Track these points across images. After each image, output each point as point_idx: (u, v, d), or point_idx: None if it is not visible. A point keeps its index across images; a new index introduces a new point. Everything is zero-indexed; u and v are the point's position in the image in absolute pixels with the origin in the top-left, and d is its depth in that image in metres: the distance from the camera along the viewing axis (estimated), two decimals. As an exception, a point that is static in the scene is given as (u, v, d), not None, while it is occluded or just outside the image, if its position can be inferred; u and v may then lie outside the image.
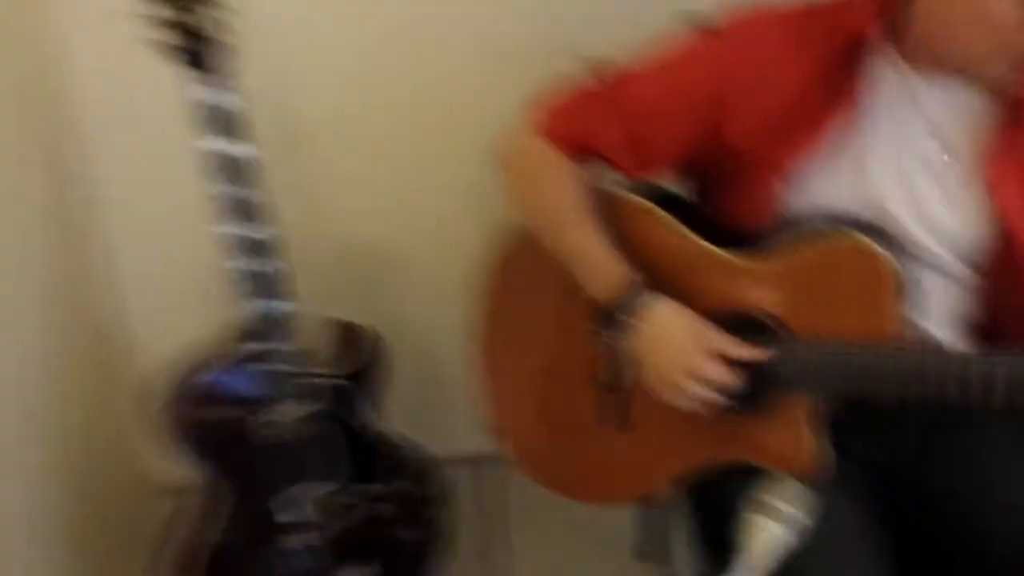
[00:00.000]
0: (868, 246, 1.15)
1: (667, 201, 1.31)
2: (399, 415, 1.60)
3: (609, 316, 1.25)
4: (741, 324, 1.23)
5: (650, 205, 1.29)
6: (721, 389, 1.21)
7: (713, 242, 1.25)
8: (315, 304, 1.50)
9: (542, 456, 1.44)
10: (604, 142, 1.26)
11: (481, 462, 1.79)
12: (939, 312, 1.24)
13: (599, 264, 1.26)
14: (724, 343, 1.21)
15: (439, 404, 1.79)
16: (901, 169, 1.18)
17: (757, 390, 1.23)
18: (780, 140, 1.19)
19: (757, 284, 1.22)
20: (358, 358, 1.54)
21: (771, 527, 0.99)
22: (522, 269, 1.40)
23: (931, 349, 1.17)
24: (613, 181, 1.32)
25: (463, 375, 1.49)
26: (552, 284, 1.34)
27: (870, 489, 1.26)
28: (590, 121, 1.26)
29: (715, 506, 1.27)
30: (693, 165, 1.29)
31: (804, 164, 1.19)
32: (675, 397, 1.23)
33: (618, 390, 1.33)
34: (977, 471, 1.24)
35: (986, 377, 1.08)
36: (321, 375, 1.46)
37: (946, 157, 1.18)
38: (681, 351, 1.21)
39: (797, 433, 1.23)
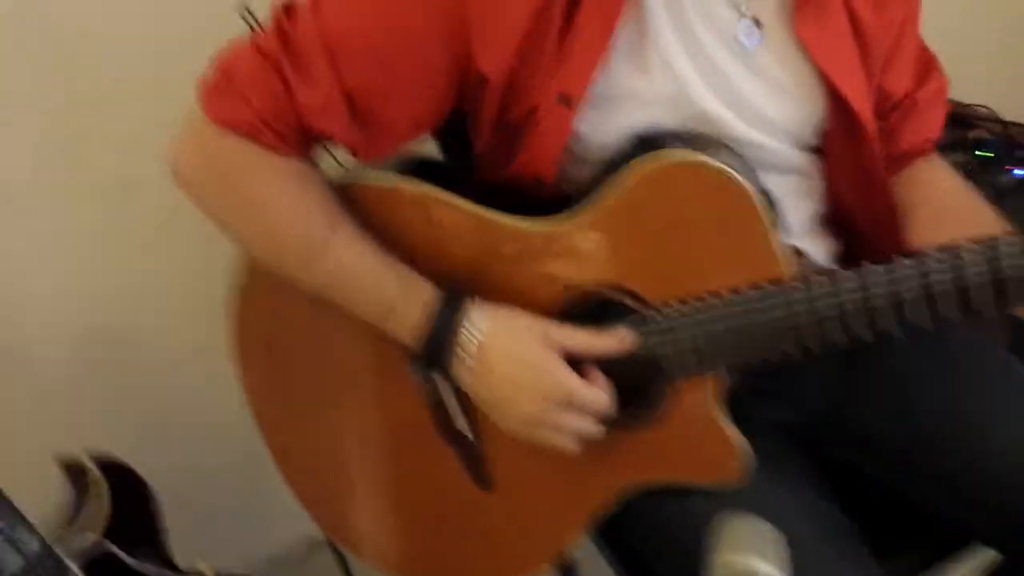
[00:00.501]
0: (707, 164, 0.87)
1: (424, 172, 0.99)
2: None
3: (424, 354, 0.94)
4: (584, 313, 0.94)
5: (415, 184, 0.96)
6: (594, 407, 0.92)
7: (510, 214, 0.94)
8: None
9: (403, 552, 1.11)
10: (312, 111, 0.89)
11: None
12: (798, 220, 0.99)
13: (382, 288, 0.93)
14: (576, 341, 0.92)
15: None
16: (704, 57, 0.91)
17: (639, 390, 0.94)
18: (550, 56, 0.88)
19: (584, 252, 0.92)
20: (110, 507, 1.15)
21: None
22: (280, 316, 1.05)
23: (823, 276, 0.88)
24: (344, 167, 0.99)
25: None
26: (327, 328, 1.01)
27: (788, 454, 1.02)
28: (282, 88, 0.89)
29: (644, 543, 1.02)
30: (446, 117, 0.96)
31: (590, 81, 0.89)
32: (542, 438, 0.94)
33: (467, 441, 1.02)
34: (901, 403, 1.03)
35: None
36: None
37: (751, 27, 0.92)
38: (530, 374, 0.91)
39: (709, 427, 0.95)
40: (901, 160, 1.06)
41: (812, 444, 1.04)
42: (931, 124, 1.08)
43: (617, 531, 1.04)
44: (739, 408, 0.95)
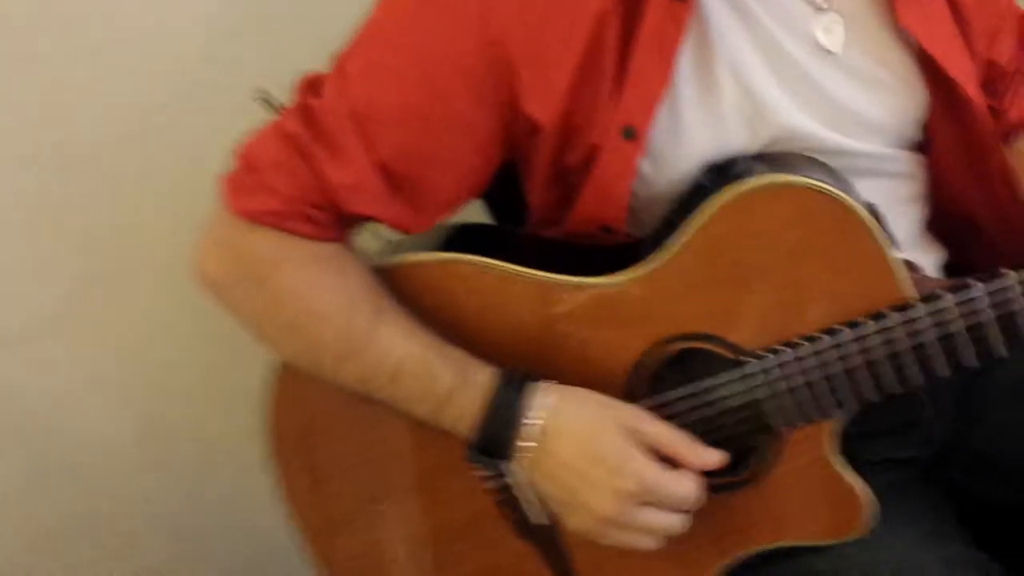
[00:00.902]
0: (794, 183, 0.76)
1: (472, 239, 0.88)
2: None
3: (482, 444, 0.81)
4: (668, 374, 0.83)
5: (461, 255, 0.84)
6: (681, 501, 0.80)
7: (575, 273, 0.83)
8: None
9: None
10: (346, 190, 0.80)
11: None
12: (904, 229, 0.88)
13: (435, 377, 0.81)
14: (664, 439, 0.80)
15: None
16: (784, 63, 0.81)
17: (738, 446, 0.83)
18: (609, 89, 0.78)
19: (663, 304, 0.80)
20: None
21: None
22: (321, 403, 0.91)
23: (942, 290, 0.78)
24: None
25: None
26: (374, 415, 0.88)
27: (918, 497, 0.91)
28: (309, 169, 0.79)
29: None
30: (494, 175, 0.85)
31: (654, 111, 0.79)
32: (617, 540, 0.81)
33: (545, 531, 0.89)
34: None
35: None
36: None
37: (833, 21, 0.82)
38: (602, 467, 0.79)
39: (826, 477, 0.83)
40: (1013, 133, 0.95)
41: (943, 482, 0.94)
42: None
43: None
44: (852, 452, 0.85)
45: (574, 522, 0.82)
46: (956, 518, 0.91)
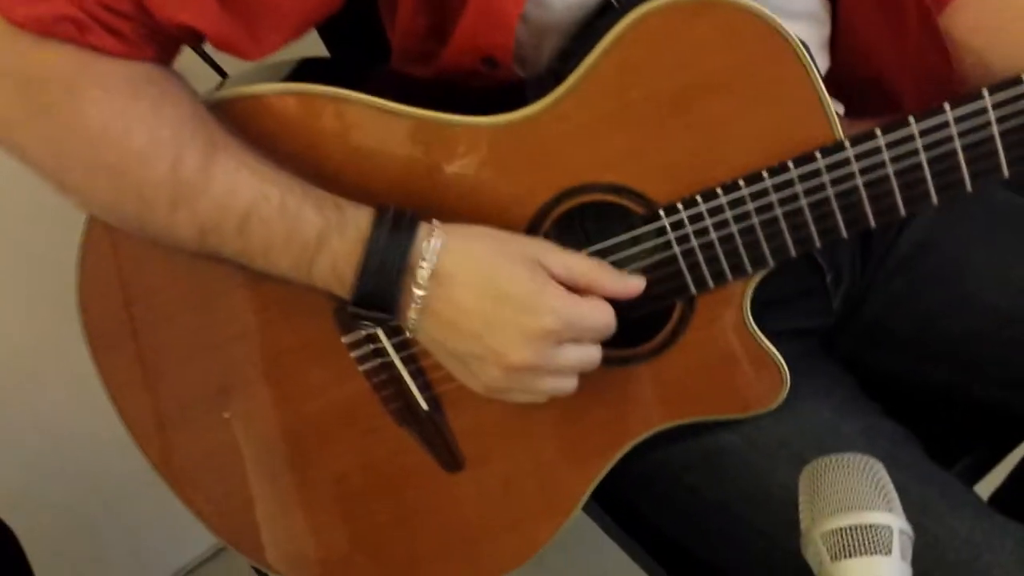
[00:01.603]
0: (734, 4, 0.64)
1: (322, 76, 0.71)
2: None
3: (363, 299, 0.67)
4: (570, 232, 0.73)
5: (320, 87, 0.69)
6: (597, 327, 0.70)
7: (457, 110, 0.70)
8: None
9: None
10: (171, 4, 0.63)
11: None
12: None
13: (298, 220, 0.66)
14: (575, 269, 0.69)
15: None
16: None
17: (650, 310, 0.74)
18: None
19: (562, 150, 0.69)
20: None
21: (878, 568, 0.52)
22: (151, 300, 0.76)
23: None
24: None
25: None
26: (221, 305, 0.75)
27: (825, 370, 0.86)
28: None
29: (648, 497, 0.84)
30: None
31: None
32: (541, 389, 0.71)
33: (424, 413, 0.78)
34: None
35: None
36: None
37: None
38: (512, 307, 0.67)
39: (740, 345, 0.75)
40: None
41: (844, 354, 0.88)
42: None
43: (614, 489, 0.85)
44: (756, 321, 0.76)
45: (484, 379, 0.70)
46: (859, 388, 0.85)
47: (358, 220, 0.67)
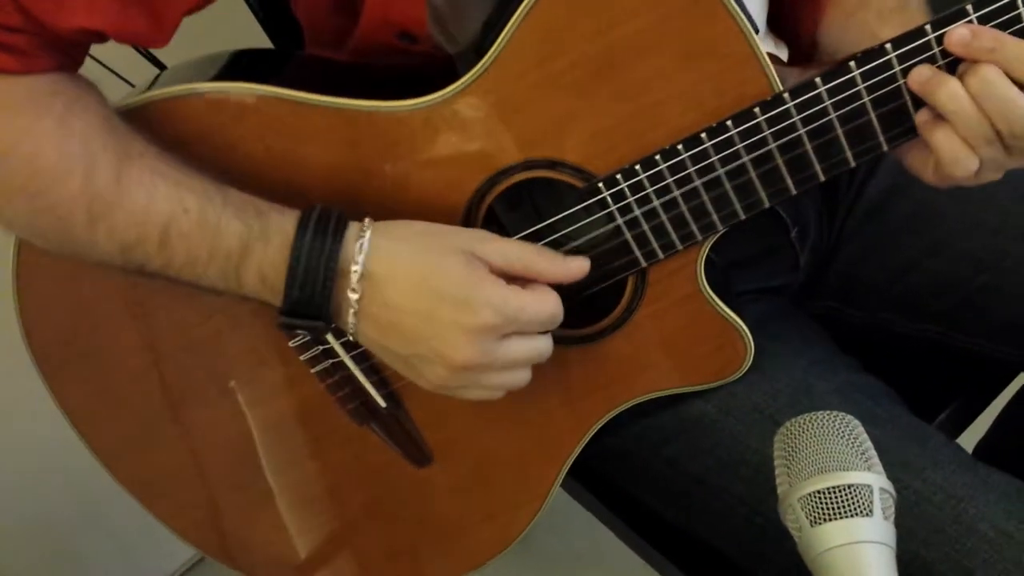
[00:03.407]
0: None
1: (243, 70, 0.69)
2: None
3: (300, 307, 0.64)
4: (509, 213, 0.71)
5: (238, 85, 0.66)
6: (541, 319, 0.66)
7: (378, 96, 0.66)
8: None
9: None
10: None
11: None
12: (756, 15, 0.75)
13: (220, 230, 0.63)
14: (512, 257, 0.66)
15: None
16: None
17: (602, 286, 0.71)
18: None
19: (490, 127, 0.66)
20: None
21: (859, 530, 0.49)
22: (91, 319, 0.74)
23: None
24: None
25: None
26: (162, 319, 0.73)
27: (795, 328, 0.83)
28: None
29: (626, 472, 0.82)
30: None
31: None
32: (492, 385, 0.68)
33: (383, 411, 0.76)
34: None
35: None
36: None
37: None
38: (450, 305, 0.64)
39: (698, 314, 0.72)
40: None
41: (817, 310, 0.85)
42: None
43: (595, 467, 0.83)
44: (720, 284, 0.73)
45: (432, 379, 0.67)
46: (832, 343, 0.83)
47: (283, 225, 0.64)
